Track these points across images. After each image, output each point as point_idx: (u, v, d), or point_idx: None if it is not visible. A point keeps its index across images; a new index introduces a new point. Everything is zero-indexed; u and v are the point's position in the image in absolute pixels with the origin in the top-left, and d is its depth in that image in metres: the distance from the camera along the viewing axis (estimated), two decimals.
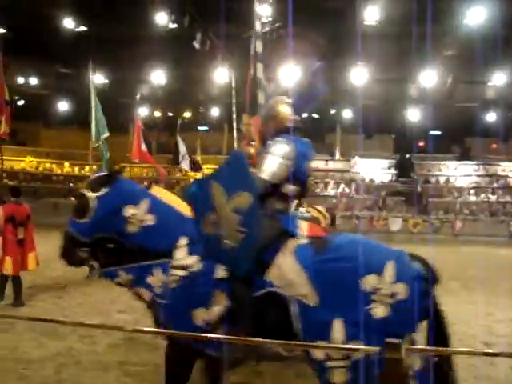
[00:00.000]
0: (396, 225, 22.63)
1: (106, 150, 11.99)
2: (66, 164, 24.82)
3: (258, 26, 8.87)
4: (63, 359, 5.17)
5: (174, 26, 17.41)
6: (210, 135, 28.06)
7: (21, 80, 22.94)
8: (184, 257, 3.42)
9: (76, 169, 26.53)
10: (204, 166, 27.65)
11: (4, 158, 25.60)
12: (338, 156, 30.68)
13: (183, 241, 3.49)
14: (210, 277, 3.32)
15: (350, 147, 29.33)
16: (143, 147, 13.44)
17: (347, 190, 27.47)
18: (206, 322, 3.28)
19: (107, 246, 3.68)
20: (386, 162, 30.15)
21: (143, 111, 25.99)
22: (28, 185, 22.50)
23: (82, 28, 18.04)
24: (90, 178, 3.91)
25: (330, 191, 27.37)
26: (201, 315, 3.29)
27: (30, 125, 22.33)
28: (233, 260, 3.21)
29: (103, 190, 3.60)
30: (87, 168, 27.32)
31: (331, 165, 30.10)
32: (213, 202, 3.12)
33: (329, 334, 3.03)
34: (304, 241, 3.41)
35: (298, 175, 3.63)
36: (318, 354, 3.07)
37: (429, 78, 22.09)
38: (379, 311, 3.01)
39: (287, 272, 3.20)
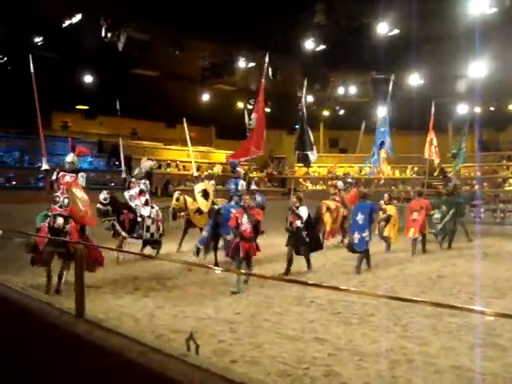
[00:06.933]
0: None
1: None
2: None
3: None
4: (396, 356, 5.16)
5: (493, 10, 16.06)
6: None
7: (341, 91, 24.42)
8: None
9: (397, 171, 26.92)
10: None
11: (330, 165, 27.97)
12: None
13: None
14: None
15: None
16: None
17: None
18: None
19: None
20: None
21: (462, 108, 24.86)
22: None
23: (395, 31, 18.17)
24: None
25: None
26: None
27: (351, 132, 23.54)
28: None
29: None
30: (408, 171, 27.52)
31: None
32: None
33: None
34: None
35: None
36: None
37: None
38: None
39: None
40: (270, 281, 8.71)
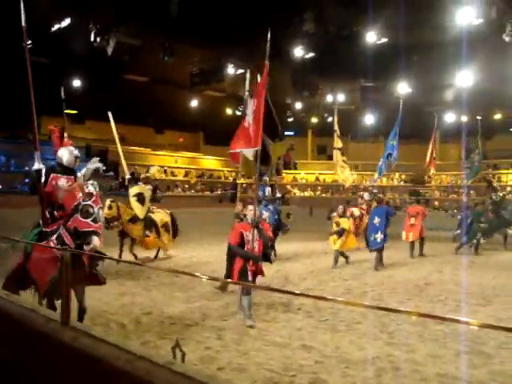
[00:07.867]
0: None
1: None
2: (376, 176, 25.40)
3: None
4: (382, 364, 5.18)
5: (479, 21, 16.22)
6: None
7: (330, 98, 24.53)
8: None
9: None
10: None
11: (318, 172, 28.09)
12: None
13: None
14: None
15: None
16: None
17: None
18: None
19: None
20: None
21: (449, 117, 25.09)
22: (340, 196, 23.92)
23: (384, 40, 18.27)
24: None
25: None
26: None
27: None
28: None
29: None
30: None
31: None
32: None
33: None
34: None
35: None
36: None
37: None
38: None
39: None
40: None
